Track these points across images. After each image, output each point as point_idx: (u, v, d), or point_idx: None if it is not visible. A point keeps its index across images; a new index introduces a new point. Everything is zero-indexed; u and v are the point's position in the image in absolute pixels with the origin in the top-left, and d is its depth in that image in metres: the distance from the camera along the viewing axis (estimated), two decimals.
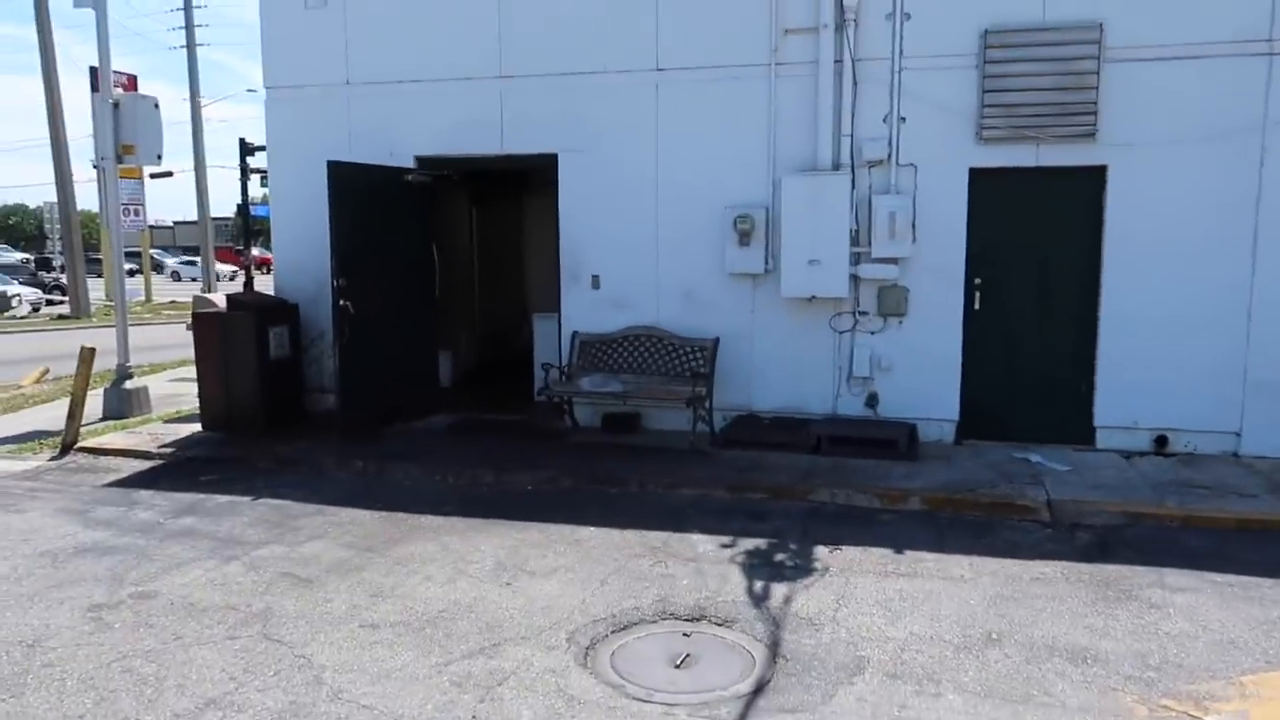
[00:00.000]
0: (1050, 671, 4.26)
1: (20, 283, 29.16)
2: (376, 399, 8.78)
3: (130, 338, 10.25)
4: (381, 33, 9.12)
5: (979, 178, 7.92)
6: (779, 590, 5.19)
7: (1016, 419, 8.09)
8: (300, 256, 9.49)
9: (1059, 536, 6.11)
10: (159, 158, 9.90)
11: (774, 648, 4.51)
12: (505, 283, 12.98)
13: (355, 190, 8.48)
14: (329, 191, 8.27)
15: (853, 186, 8.02)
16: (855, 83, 8.01)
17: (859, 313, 8.27)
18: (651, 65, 8.49)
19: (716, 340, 8.48)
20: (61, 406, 9.34)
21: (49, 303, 28.16)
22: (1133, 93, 7.51)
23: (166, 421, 9.60)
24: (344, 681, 4.20)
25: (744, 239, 8.24)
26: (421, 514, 6.58)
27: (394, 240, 8.99)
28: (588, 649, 4.52)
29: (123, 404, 9.86)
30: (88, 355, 8.86)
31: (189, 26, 32.53)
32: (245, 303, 9.26)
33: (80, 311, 23.55)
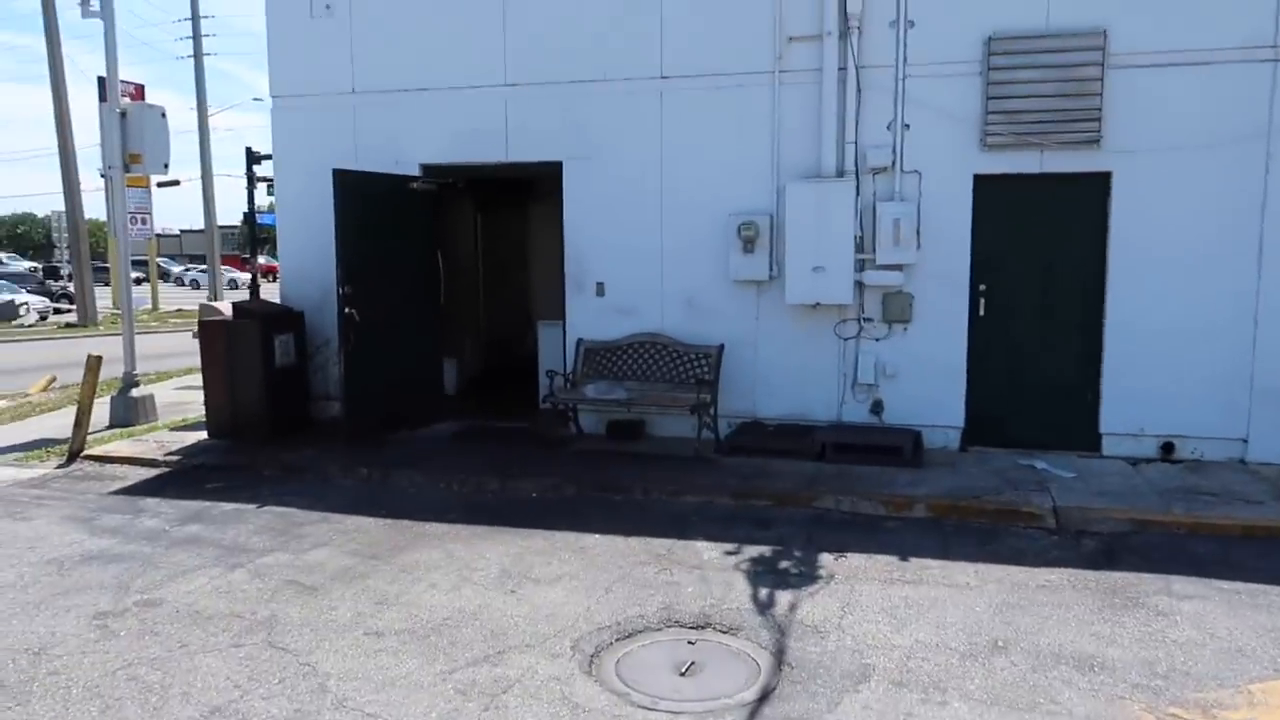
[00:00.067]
0: (1057, 679, 4.25)
1: (28, 291, 29.30)
2: (381, 406, 8.80)
3: (137, 346, 10.29)
4: (387, 41, 9.17)
5: (983, 184, 7.92)
6: (784, 598, 5.18)
7: (1022, 426, 8.07)
8: (306, 264, 9.52)
9: (1065, 544, 6.09)
10: (166, 166, 9.94)
11: (779, 655, 4.50)
12: (510, 290, 13.01)
13: (361, 198, 8.51)
14: (335, 199, 8.30)
15: (857, 193, 8.02)
16: (859, 90, 8.02)
17: (863, 319, 8.26)
18: (656, 73, 8.52)
19: (721, 347, 8.48)
20: (68, 414, 9.38)
21: (56, 311, 28.28)
22: (1137, 99, 7.51)
23: (172, 429, 9.62)
24: (348, 689, 4.20)
25: (748, 246, 8.25)
26: (426, 521, 6.59)
27: (399, 248, 9.01)
28: (592, 657, 4.51)
29: (129, 412, 9.89)
30: (94, 363, 8.89)
31: (196, 36, 32.70)
32: (251, 311, 9.29)
33: (87, 320, 23.65)
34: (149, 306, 28.93)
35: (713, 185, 8.45)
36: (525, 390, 10.43)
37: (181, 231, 63.85)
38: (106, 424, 9.73)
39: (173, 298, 35.26)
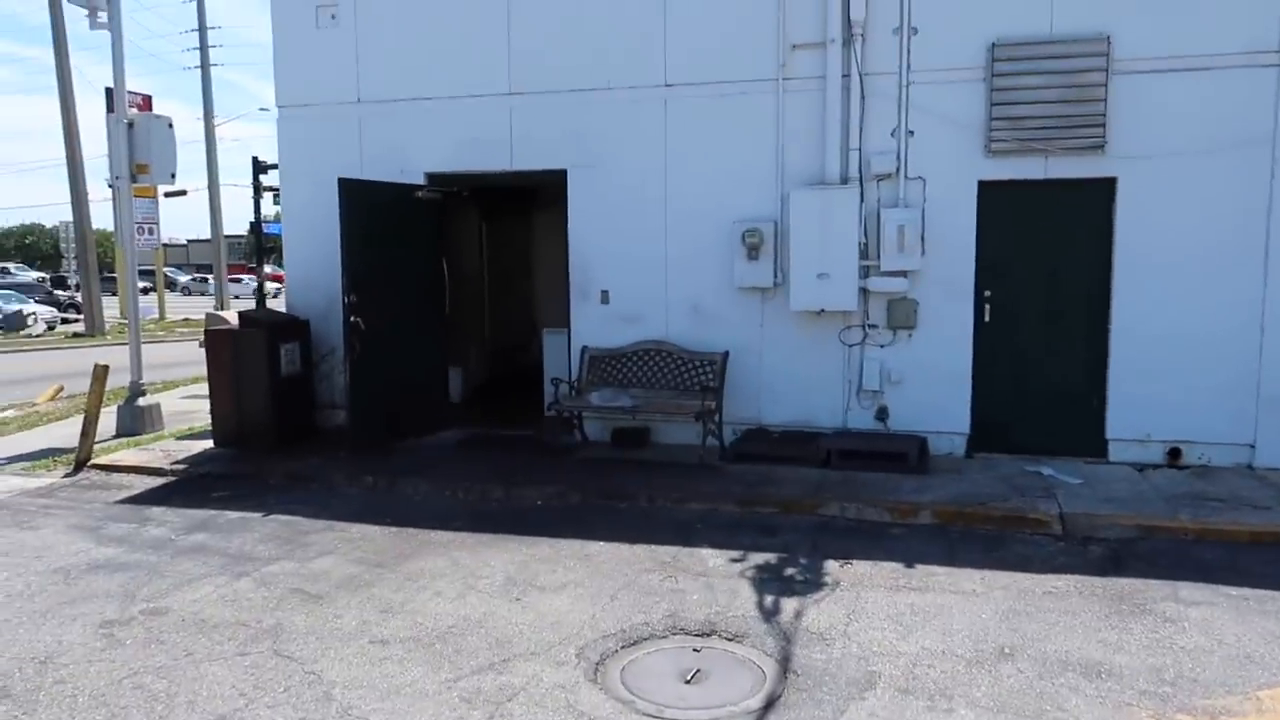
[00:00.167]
0: (1064, 686, 4.23)
1: (36, 301, 29.44)
2: (387, 414, 8.81)
3: (144, 355, 10.33)
4: (392, 51, 9.22)
5: (987, 190, 7.92)
6: (789, 605, 5.17)
7: (1028, 432, 8.05)
8: (311, 273, 9.56)
9: (1071, 550, 6.07)
10: (173, 176, 10.00)
11: (785, 663, 4.49)
12: (515, 298, 13.04)
13: (366, 207, 8.54)
14: (340, 208, 8.33)
15: (861, 200, 8.03)
16: (863, 97, 8.03)
17: (868, 326, 8.26)
18: (660, 81, 8.54)
19: (726, 354, 8.48)
20: (75, 424, 9.41)
21: (64, 321, 28.41)
22: (1141, 105, 7.51)
23: (179, 438, 9.65)
24: (353, 698, 4.20)
25: (752, 253, 8.26)
26: (431, 529, 6.59)
27: (405, 256, 9.04)
28: (597, 664, 4.51)
29: (136, 421, 9.93)
30: (101, 373, 8.92)
31: (203, 47, 32.92)
32: (257, 320, 9.32)
33: (95, 329, 23.75)
34: (156, 316, 29.04)
35: (717, 193, 8.47)
36: (530, 398, 10.44)
37: (188, 241, 64.14)
38: (113, 433, 9.76)
39: (179, 307, 35.39)
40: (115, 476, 8.30)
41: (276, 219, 12.05)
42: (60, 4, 21.77)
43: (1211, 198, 7.48)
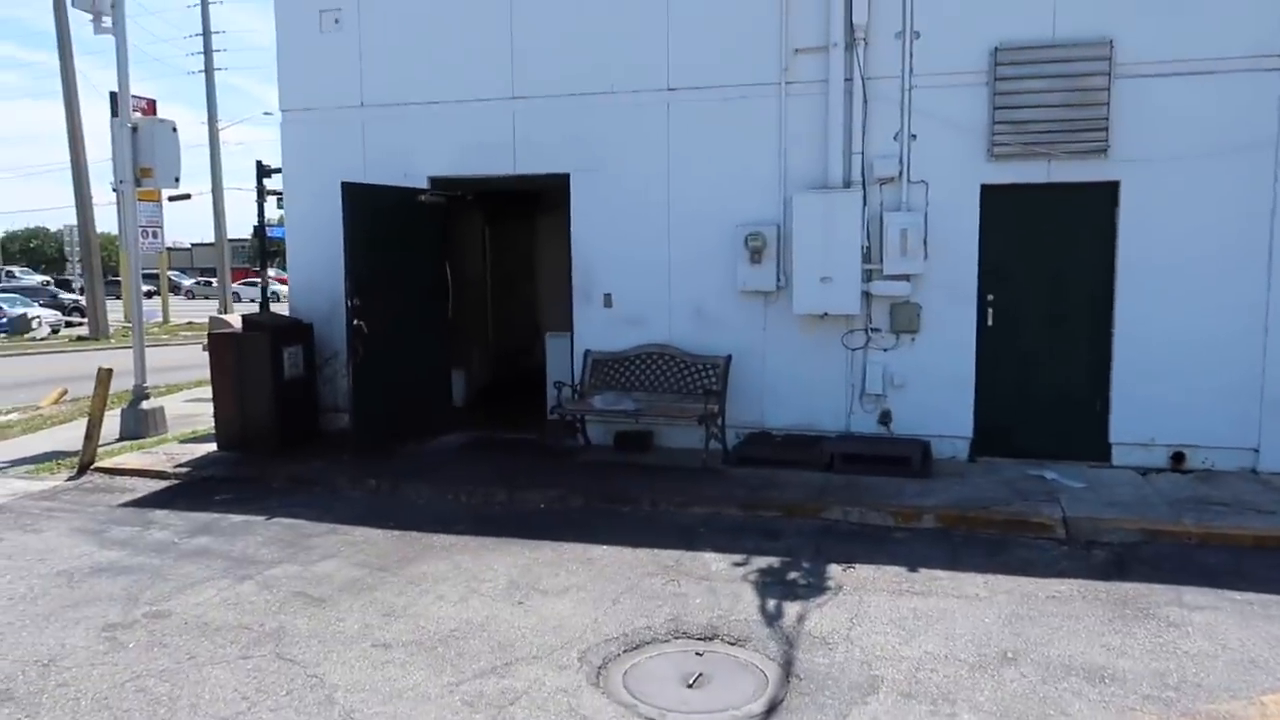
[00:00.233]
0: (1067, 691, 4.22)
1: (40, 304, 29.52)
2: (390, 418, 8.82)
3: (147, 358, 10.36)
4: (395, 55, 9.24)
5: (990, 194, 7.92)
6: (792, 609, 5.16)
7: (1031, 436, 8.04)
8: (315, 277, 9.57)
9: (1075, 554, 6.05)
10: (177, 180, 10.02)
11: (787, 667, 4.48)
12: (518, 301, 13.05)
13: (370, 211, 8.55)
14: (344, 212, 8.35)
15: (864, 204, 8.03)
16: (865, 101, 8.03)
17: (871, 330, 8.25)
18: (663, 85, 8.55)
19: (729, 358, 8.48)
20: (79, 427, 9.42)
21: (68, 324, 28.47)
22: (1144, 108, 7.51)
23: (182, 441, 9.66)
24: (356, 701, 4.20)
25: (755, 256, 8.26)
26: (434, 533, 6.59)
27: (408, 260, 9.05)
28: (600, 668, 4.50)
29: (139, 424, 9.94)
30: (105, 376, 8.94)
31: (207, 51, 33.03)
32: (260, 323, 9.34)
33: (99, 333, 23.80)
34: (160, 319, 29.10)
35: (720, 196, 8.47)
36: (533, 401, 10.44)
37: (192, 245, 64.29)
38: (117, 436, 9.78)
39: (183, 310, 35.46)
40: (119, 480, 8.31)
41: (280, 223, 12.08)
42: (65, 9, 21.84)
43: (1215, 201, 7.47)
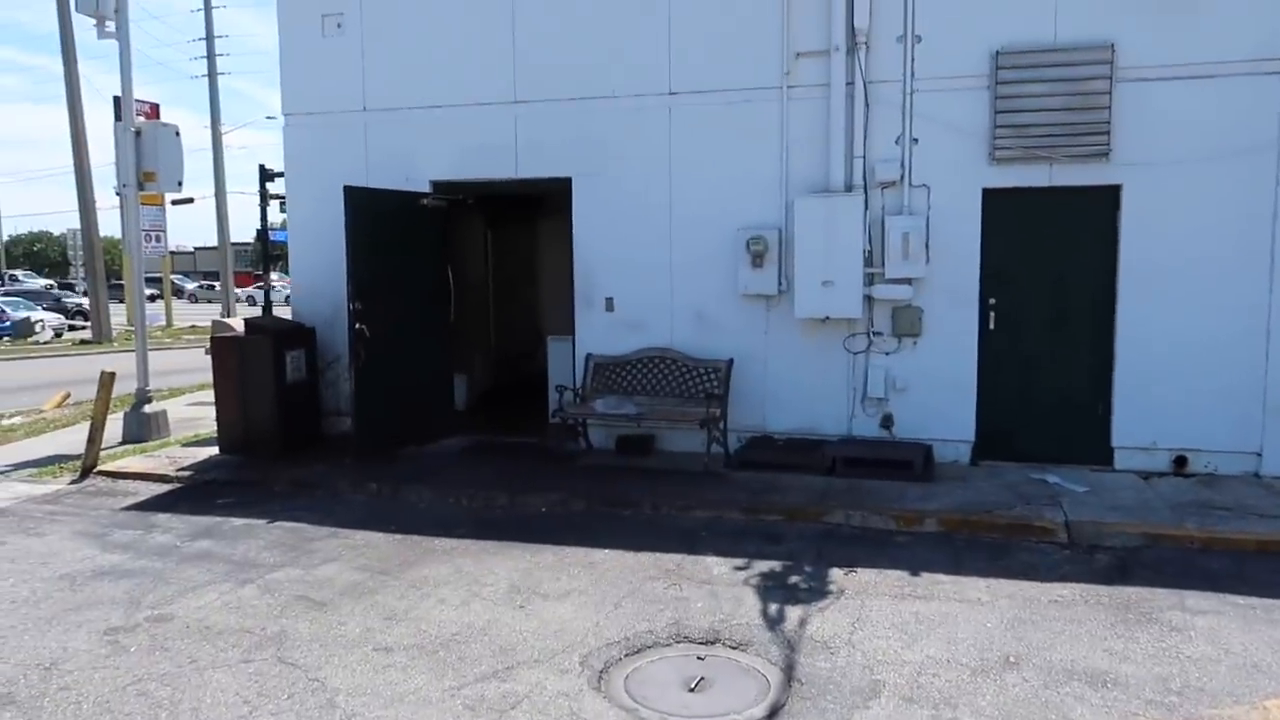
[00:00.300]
0: (1069, 695, 4.21)
1: (44, 308, 29.58)
2: (392, 422, 8.82)
3: (150, 362, 10.37)
4: (398, 59, 9.25)
5: (992, 198, 7.92)
6: (794, 613, 5.16)
7: (1033, 440, 8.03)
8: (317, 281, 9.58)
9: (1077, 558, 6.04)
10: (180, 184, 10.05)
11: (789, 671, 4.48)
12: (520, 305, 13.06)
13: (371, 215, 8.56)
14: (345, 216, 8.36)
15: (865, 208, 8.03)
16: (867, 104, 8.04)
17: (873, 333, 8.25)
18: (664, 89, 8.56)
19: (730, 361, 8.48)
20: (82, 430, 9.44)
21: (71, 328, 28.52)
22: (1146, 112, 7.51)
23: (185, 445, 9.67)
24: (357, 705, 4.20)
25: (757, 260, 8.26)
26: (435, 536, 6.59)
27: (410, 264, 9.06)
28: (601, 672, 4.50)
29: (142, 428, 9.96)
30: (107, 380, 8.95)
31: (210, 56, 33.12)
32: (263, 327, 9.35)
33: (102, 336, 23.83)
34: (163, 323, 29.14)
35: (721, 200, 8.48)
36: (535, 405, 10.44)
37: (195, 249, 64.41)
38: (119, 440, 9.79)
39: (186, 314, 35.51)
40: (121, 483, 8.32)
41: (283, 226, 12.10)
42: (69, 13, 21.90)
43: (1216, 205, 7.47)
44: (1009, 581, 5.60)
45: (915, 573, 5.77)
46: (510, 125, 8.97)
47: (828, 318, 8.18)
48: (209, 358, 9.37)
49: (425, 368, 9.28)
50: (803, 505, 7.03)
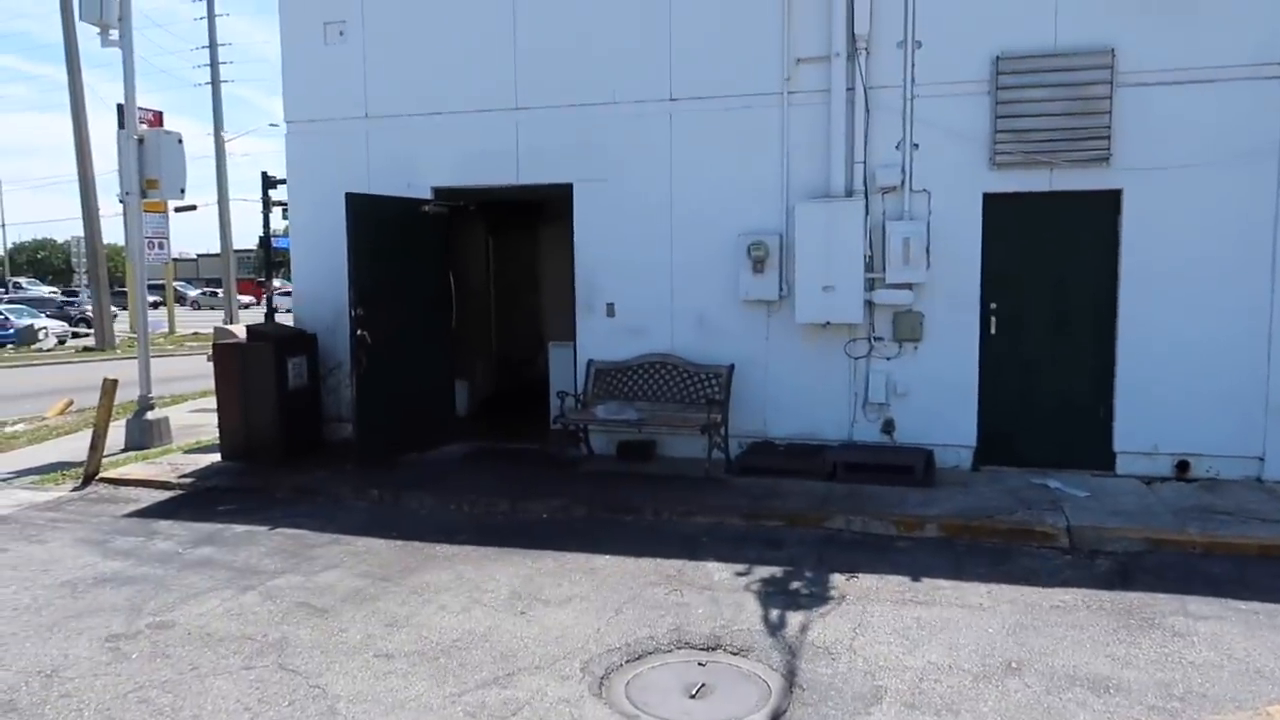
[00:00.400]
0: (1071, 701, 4.20)
1: (47, 315, 29.65)
2: (393, 428, 8.83)
3: (152, 369, 10.38)
4: (399, 66, 9.28)
5: (993, 203, 7.92)
6: (795, 619, 5.15)
7: (1035, 444, 8.02)
8: (319, 287, 9.60)
9: (1079, 564, 6.03)
10: (182, 192, 10.06)
11: (790, 677, 4.47)
12: (521, 312, 13.07)
13: (373, 221, 8.58)
14: (347, 223, 8.38)
15: (866, 213, 8.03)
16: (868, 110, 8.05)
17: (874, 339, 8.25)
18: (665, 95, 8.58)
19: (731, 367, 8.49)
20: (84, 438, 9.45)
21: (74, 335, 28.57)
22: (1146, 117, 7.51)
23: (186, 452, 9.69)
24: (358, 712, 4.19)
25: (758, 266, 8.27)
26: (437, 543, 6.59)
27: (411, 270, 9.08)
28: (602, 679, 4.50)
29: (144, 435, 9.97)
30: (110, 387, 8.97)
31: (213, 64, 33.22)
32: (265, 333, 9.36)
33: (105, 344, 23.87)
34: (165, 330, 29.18)
35: (722, 206, 8.49)
36: (536, 411, 10.45)
37: (198, 255, 64.56)
38: (122, 447, 9.80)
39: (189, 321, 35.55)
40: (123, 490, 8.33)
41: (286, 233, 12.11)
42: (73, 22, 21.99)
43: (1218, 209, 7.46)
44: (1010, 587, 5.60)
45: (916, 578, 5.76)
46: (511, 131, 8.99)
47: (829, 323, 8.18)
48: (211, 364, 9.38)
49: (427, 374, 9.29)
50: (804, 510, 7.02)
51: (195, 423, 11.33)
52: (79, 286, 37.21)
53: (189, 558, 6.39)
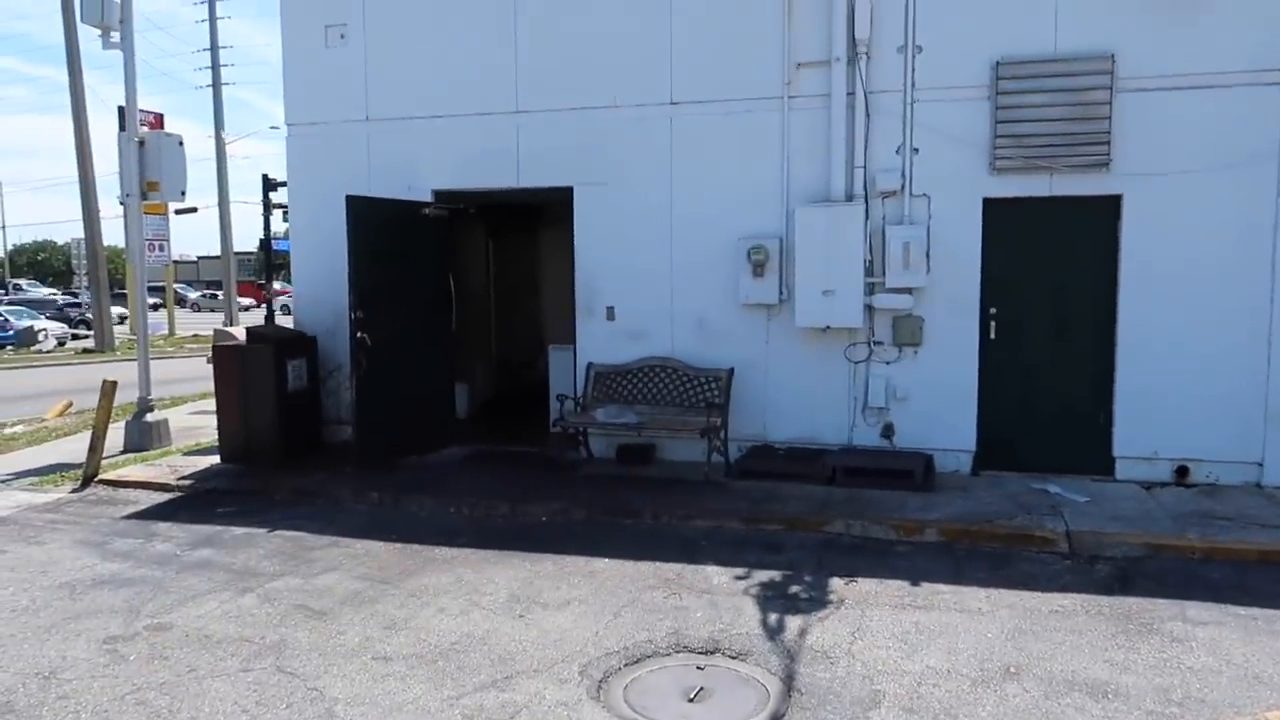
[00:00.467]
0: (1069, 707, 4.19)
1: (47, 317, 29.66)
2: (393, 430, 8.83)
3: (152, 371, 10.38)
4: (400, 69, 9.29)
5: (993, 208, 7.93)
6: (794, 623, 5.15)
7: (1034, 449, 8.02)
8: (319, 290, 9.60)
9: (1078, 569, 6.03)
10: (183, 194, 10.07)
11: (789, 681, 4.47)
12: (521, 315, 13.07)
13: (373, 224, 8.58)
14: (347, 225, 8.38)
15: (866, 217, 8.04)
16: (868, 114, 8.06)
17: (874, 343, 8.25)
18: (666, 99, 8.59)
19: (731, 371, 8.49)
20: (84, 439, 9.45)
21: (74, 337, 28.58)
22: (1146, 122, 7.52)
23: (186, 454, 9.68)
24: (356, 715, 4.19)
25: (758, 270, 8.28)
26: (436, 546, 6.59)
27: (411, 273, 9.08)
28: (600, 682, 4.49)
29: (143, 437, 9.96)
30: (109, 389, 8.97)
31: (215, 66, 33.28)
32: (264, 335, 9.36)
33: (105, 345, 23.87)
34: (165, 332, 29.18)
35: (722, 210, 8.49)
36: (536, 414, 10.45)
37: (199, 258, 64.56)
38: (121, 449, 9.80)
39: (189, 323, 35.56)
40: (122, 492, 8.33)
41: (286, 236, 12.12)
42: (75, 25, 22.02)
43: (1217, 214, 7.47)
44: (1009, 591, 5.59)
45: (916, 582, 5.76)
46: (512, 135, 9.00)
47: (828, 327, 8.18)
48: (211, 366, 9.38)
49: (427, 376, 9.29)
50: (803, 515, 7.02)
51: (195, 424, 11.33)
52: (79, 288, 37.23)
53: (187, 560, 6.38)
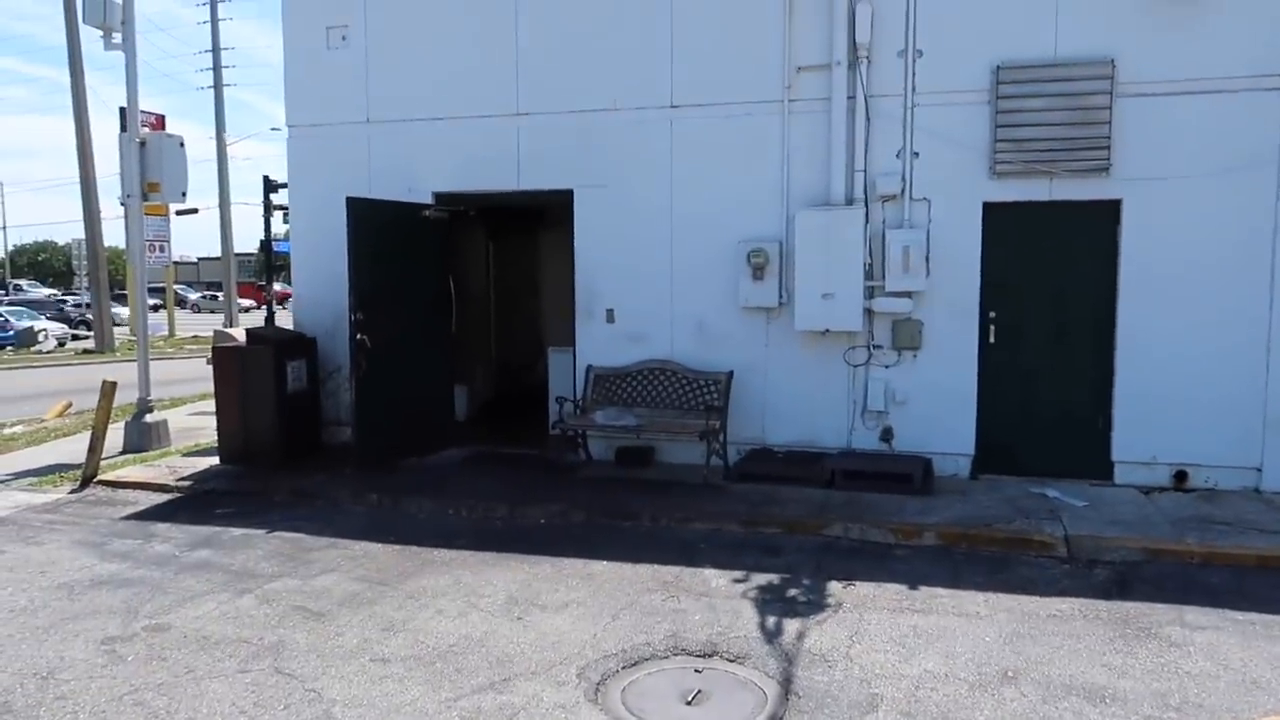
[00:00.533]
0: (1067, 711, 4.19)
1: (47, 318, 29.67)
2: (392, 432, 8.83)
3: (152, 372, 10.38)
4: (401, 71, 9.31)
5: (992, 212, 7.94)
6: (792, 626, 5.15)
7: (1033, 454, 8.03)
8: (319, 291, 9.61)
9: (1076, 573, 6.03)
10: (184, 195, 10.07)
11: (787, 684, 4.47)
12: (521, 317, 13.08)
13: (373, 226, 8.59)
14: (348, 227, 8.39)
15: (866, 221, 8.05)
16: (868, 118, 8.07)
17: (873, 346, 8.26)
18: (666, 102, 8.60)
19: (730, 374, 8.49)
20: (83, 440, 9.45)
21: (74, 337, 28.58)
22: (1146, 127, 7.53)
23: (185, 454, 9.68)
24: (353, 716, 4.19)
25: (758, 273, 8.28)
26: (434, 547, 6.59)
27: (411, 275, 9.09)
28: (598, 685, 4.49)
29: (143, 437, 9.97)
30: (109, 390, 8.97)
31: (216, 68, 33.31)
32: (264, 337, 9.37)
33: (105, 346, 23.88)
34: (165, 333, 29.19)
35: (722, 213, 8.50)
36: (536, 416, 10.45)
37: (199, 259, 64.56)
38: (120, 449, 9.80)
39: (189, 324, 35.56)
40: (121, 493, 8.33)
41: (287, 237, 12.12)
42: (76, 26, 22.04)
43: (1217, 219, 7.48)
44: (1008, 596, 5.59)
45: (914, 586, 5.76)
46: (512, 137, 9.01)
47: (828, 330, 8.19)
48: (210, 367, 9.38)
49: (426, 378, 9.29)
50: (802, 518, 7.02)
51: (194, 425, 11.33)
52: (80, 289, 37.25)
53: (186, 560, 6.38)
